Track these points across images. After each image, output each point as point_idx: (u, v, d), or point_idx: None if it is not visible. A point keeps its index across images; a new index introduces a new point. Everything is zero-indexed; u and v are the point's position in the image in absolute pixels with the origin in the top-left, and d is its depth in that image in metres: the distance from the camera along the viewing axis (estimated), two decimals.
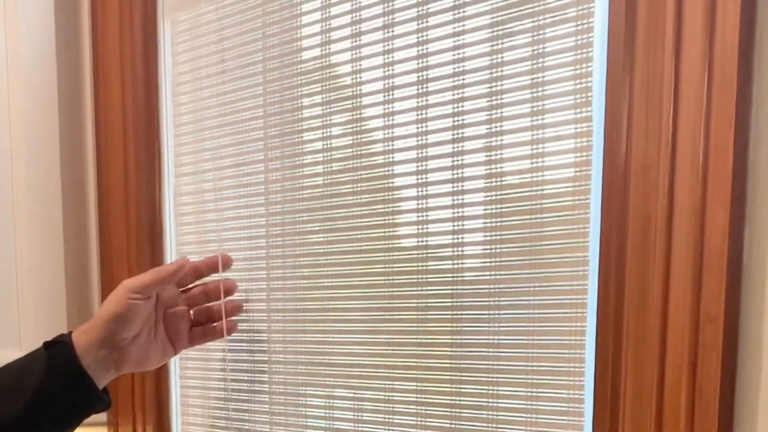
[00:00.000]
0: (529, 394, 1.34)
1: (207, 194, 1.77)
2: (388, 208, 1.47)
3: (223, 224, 1.74)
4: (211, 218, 1.77)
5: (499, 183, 1.34)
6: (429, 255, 1.43)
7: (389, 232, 1.48)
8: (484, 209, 1.35)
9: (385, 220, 1.48)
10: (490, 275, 1.36)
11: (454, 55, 1.38)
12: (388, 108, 1.47)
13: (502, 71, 1.33)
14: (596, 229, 1.23)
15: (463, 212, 1.38)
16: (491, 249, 1.35)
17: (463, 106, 1.37)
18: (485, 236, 1.36)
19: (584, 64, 1.24)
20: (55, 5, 1.92)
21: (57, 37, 1.93)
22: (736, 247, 1.16)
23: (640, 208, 1.20)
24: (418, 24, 1.42)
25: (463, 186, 1.38)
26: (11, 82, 1.90)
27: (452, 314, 1.41)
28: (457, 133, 1.38)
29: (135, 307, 1.42)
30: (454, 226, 1.39)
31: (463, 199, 1.38)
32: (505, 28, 1.32)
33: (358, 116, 1.50)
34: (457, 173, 1.38)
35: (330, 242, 1.56)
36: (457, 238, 1.39)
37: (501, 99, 1.33)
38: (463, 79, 1.37)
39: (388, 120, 1.47)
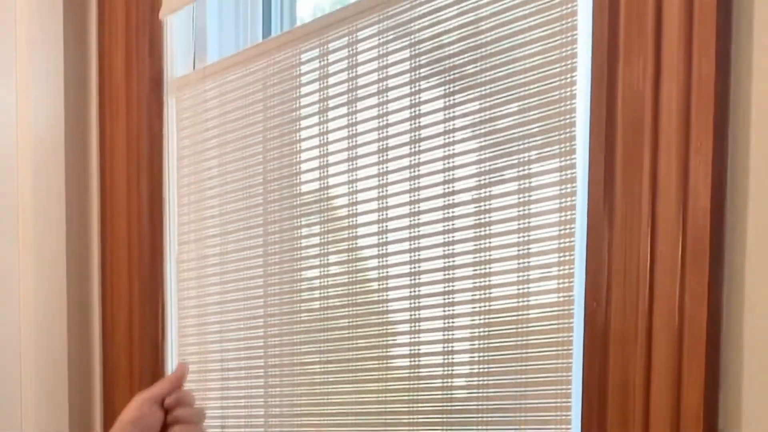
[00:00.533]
0: None
1: (209, 307, 1.84)
2: (381, 341, 1.54)
3: (225, 352, 1.81)
4: (213, 331, 1.83)
5: (485, 370, 1.40)
6: (421, 386, 1.49)
7: (383, 363, 1.54)
8: (467, 397, 1.42)
9: (380, 348, 1.54)
10: None
11: (444, 206, 1.44)
12: (382, 239, 1.53)
13: (490, 255, 1.39)
14: (578, 396, 1.29)
15: (452, 370, 1.45)
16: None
17: (453, 257, 1.43)
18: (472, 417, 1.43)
19: (566, 239, 1.30)
20: (65, 84, 1.99)
21: (66, 114, 1.99)
22: (711, 415, 1.21)
23: (618, 376, 1.25)
24: (410, 176, 1.48)
25: (452, 346, 1.44)
26: (20, 164, 1.97)
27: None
28: (448, 275, 1.44)
29: (152, 412, 1.52)
30: (443, 382, 1.45)
31: (452, 358, 1.44)
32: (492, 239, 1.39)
33: (354, 234, 1.57)
34: (448, 325, 1.45)
35: (326, 364, 1.62)
36: (446, 393, 1.45)
37: (489, 273, 1.39)
38: (453, 224, 1.43)
39: (382, 249, 1.53)
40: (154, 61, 1.89)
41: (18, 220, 1.99)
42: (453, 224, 1.43)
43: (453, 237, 1.43)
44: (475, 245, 1.40)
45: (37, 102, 1.98)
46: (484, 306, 1.39)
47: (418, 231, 1.47)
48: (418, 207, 1.47)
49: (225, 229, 1.79)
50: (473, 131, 1.40)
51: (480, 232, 1.40)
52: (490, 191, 1.39)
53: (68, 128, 2.00)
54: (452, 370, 1.44)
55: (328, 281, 1.61)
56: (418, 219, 1.47)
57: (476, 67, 1.39)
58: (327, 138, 1.60)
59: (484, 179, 1.40)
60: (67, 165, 1.99)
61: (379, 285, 1.53)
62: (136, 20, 1.91)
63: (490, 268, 1.38)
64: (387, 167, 1.51)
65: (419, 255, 1.48)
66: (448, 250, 1.44)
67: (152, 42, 1.89)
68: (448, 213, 1.44)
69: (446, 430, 1.46)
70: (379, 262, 1.53)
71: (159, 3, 1.86)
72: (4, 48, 1.93)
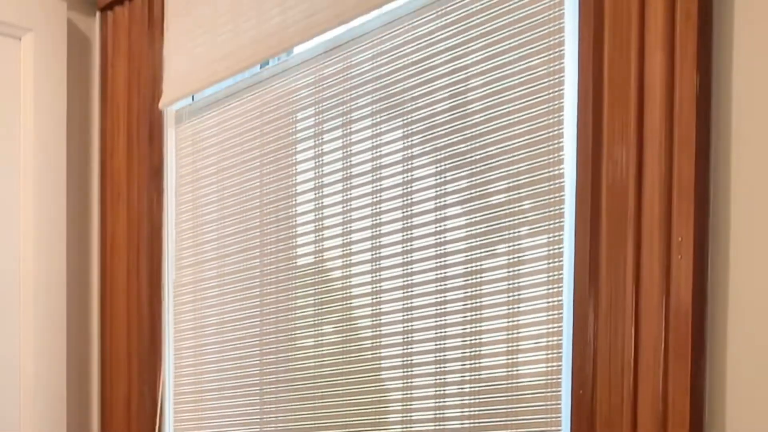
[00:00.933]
0: None
1: (206, 347, 1.87)
2: (375, 408, 1.58)
3: (222, 402, 1.85)
4: (211, 371, 1.88)
5: None
6: None
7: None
8: None
9: (374, 415, 1.58)
10: None
11: (436, 285, 1.48)
12: (376, 317, 1.56)
13: (480, 339, 1.43)
14: None
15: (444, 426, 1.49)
16: None
17: (445, 330, 1.47)
18: None
19: (554, 324, 1.34)
20: (68, 172, 2.03)
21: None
22: None
23: None
24: (403, 248, 1.52)
25: (444, 425, 1.47)
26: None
27: None
28: (440, 349, 1.48)
29: None
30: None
31: (444, 415, 1.48)
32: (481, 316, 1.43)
33: (348, 305, 1.61)
34: (439, 392, 1.48)
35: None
36: None
37: (480, 355, 1.43)
38: (445, 296, 1.47)
39: (376, 322, 1.56)
40: (154, 151, 1.94)
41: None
42: (445, 296, 1.47)
43: (445, 321, 1.47)
44: (464, 329, 1.44)
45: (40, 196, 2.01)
46: (474, 387, 1.43)
47: (411, 302, 1.52)
48: (411, 280, 1.52)
49: (222, 252, 1.83)
50: (463, 207, 1.44)
51: (469, 316, 1.44)
52: (480, 277, 1.43)
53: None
54: None
55: (322, 341, 1.65)
56: (411, 290, 1.52)
57: (468, 146, 1.43)
58: (322, 213, 1.64)
59: (475, 277, 1.44)
60: (69, 218, 2.02)
61: (372, 342, 1.57)
62: (138, 109, 1.95)
63: (480, 350, 1.42)
64: (380, 241, 1.55)
65: (412, 339, 1.51)
66: (441, 321, 1.48)
67: (152, 130, 1.93)
68: (441, 285, 1.48)
69: None
70: (372, 332, 1.57)
71: (159, 93, 1.91)
72: (8, 137, 1.96)
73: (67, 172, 2.00)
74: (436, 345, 1.48)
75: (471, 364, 1.43)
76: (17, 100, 1.94)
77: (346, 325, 1.61)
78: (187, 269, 1.90)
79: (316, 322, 1.66)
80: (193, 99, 1.93)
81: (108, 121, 2.02)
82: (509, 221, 1.39)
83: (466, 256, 1.44)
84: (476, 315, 1.43)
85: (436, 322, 1.48)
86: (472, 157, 1.43)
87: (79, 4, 2.02)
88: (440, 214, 1.47)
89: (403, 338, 1.52)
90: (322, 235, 1.64)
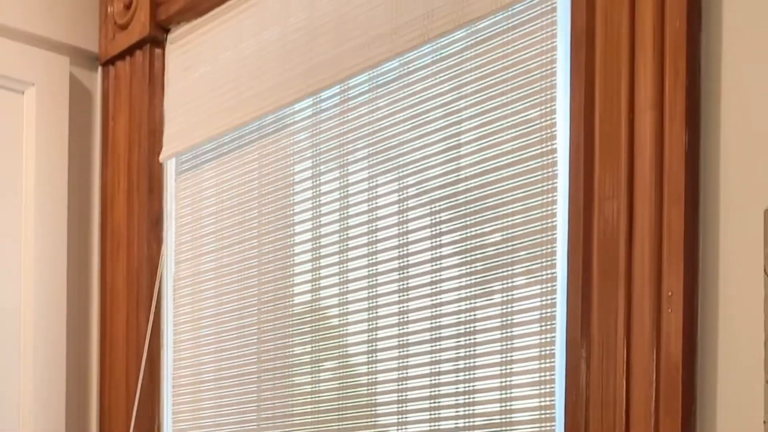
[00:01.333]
0: None
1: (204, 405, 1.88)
2: None
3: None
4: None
5: None
6: None
7: None
8: None
9: None
10: None
11: (431, 334, 1.50)
12: (372, 364, 1.58)
13: (474, 386, 1.45)
14: None
15: None
16: None
17: (439, 377, 1.49)
18: None
19: (546, 387, 1.36)
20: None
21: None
22: None
23: None
24: (400, 292, 1.54)
25: None
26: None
27: None
28: (434, 396, 1.49)
29: None
30: None
31: None
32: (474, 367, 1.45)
33: (345, 343, 1.63)
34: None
35: None
36: None
37: (473, 403, 1.45)
38: (440, 344, 1.49)
39: (372, 369, 1.58)
40: (154, 202, 1.96)
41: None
42: (440, 344, 1.49)
43: (440, 362, 1.49)
44: (457, 376, 1.46)
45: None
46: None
47: (407, 350, 1.54)
48: (407, 328, 1.54)
49: (221, 300, 1.86)
50: (459, 258, 1.47)
51: (463, 364, 1.46)
52: (474, 326, 1.45)
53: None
54: None
55: (320, 386, 1.66)
56: (407, 338, 1.54)
57: (463, 198, 1.46)
58: (320, 263, 1.66)
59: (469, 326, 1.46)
60: (69, 279, 2.03)
61: (368, 389, 1.59)
62: (138, 161, 1.98)
63: (473, 398, 1.44)
64: (377, 290, 1.58)
65: (407, 375, 1.53)
66: (435, 368, 1.49)
67: (152, 182, 1.96)
68: (436, 334, 1.50)
69: None
70: (368, 378, 1.59)
71: (159, 145, 1.95)
72: (10, 189, 1.98)
73: (68, 223, 2.02)
74: (430, 392, 1.50)
75: (465, 411, 1.44)
76: (19, 153, 1.97)
77: (343, 372, 1.62)
78: (185, 315, 1.92)
79: (312, 369, 1.68)
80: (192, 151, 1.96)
81: (108, 172, 2.04)
82: (503, 272, 1.41)
83: (461, 305, 1.46)
84: (470, 363, 1.45)
85: (431, 369, 1.50)
86: (467, 209, 1.45)
87: (82, 59, 2.06)
88: (436, 265, 1.49)
89: (398, 384, 1.54)
90: (319, 284, 1.66)
